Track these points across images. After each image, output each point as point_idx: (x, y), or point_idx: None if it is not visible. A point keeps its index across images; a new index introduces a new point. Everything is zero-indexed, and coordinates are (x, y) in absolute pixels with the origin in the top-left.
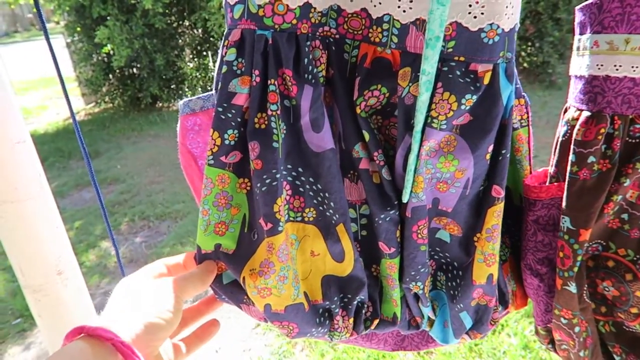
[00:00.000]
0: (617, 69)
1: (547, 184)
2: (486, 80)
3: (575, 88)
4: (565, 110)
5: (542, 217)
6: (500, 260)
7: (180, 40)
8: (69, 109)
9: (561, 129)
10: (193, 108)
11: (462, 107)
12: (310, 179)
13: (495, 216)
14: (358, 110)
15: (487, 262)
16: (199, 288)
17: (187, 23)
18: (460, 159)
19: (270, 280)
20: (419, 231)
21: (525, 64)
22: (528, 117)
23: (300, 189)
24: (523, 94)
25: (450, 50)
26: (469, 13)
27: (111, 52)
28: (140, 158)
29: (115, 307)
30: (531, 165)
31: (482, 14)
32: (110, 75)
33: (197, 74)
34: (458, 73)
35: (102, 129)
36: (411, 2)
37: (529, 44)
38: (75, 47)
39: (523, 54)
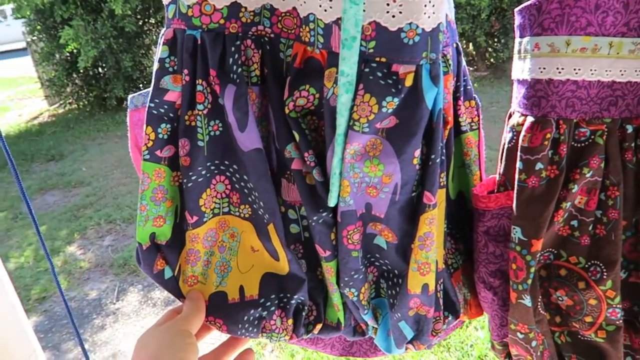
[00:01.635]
0: (559, 72)
1: (495, 192)
2: (408, 82)
3: (518, 93)
4: (510, 116)
5: (492, 227)
6: (451, 267)
7: (147, 40)
8: None
9: (507, 135)
10: (136, 104)
11: (384, 109)
12: (244, 177)
13: (427, 223)
14: (287, 111)
15: (421, 271)
16: (200, 316)
17: (152, 21)
18: (385, 163)
19: (197, 268)
20: (349, 236)
21: (492, 60)
22: (479, 120)
23: (237, 186)
24: (474, 95)
25: (372, 50)
26: (387, 12)
27: (76, 52)
28: (106, 160)
29: (138, 357)
30: (482, 171)
31: (400, 12)
32: (75, 75)
33: None
34: (379, 74)
35: (66, 131)
36: (331, 0)
37: (495, 40)
38: (37, 47)
39: (490, 49)
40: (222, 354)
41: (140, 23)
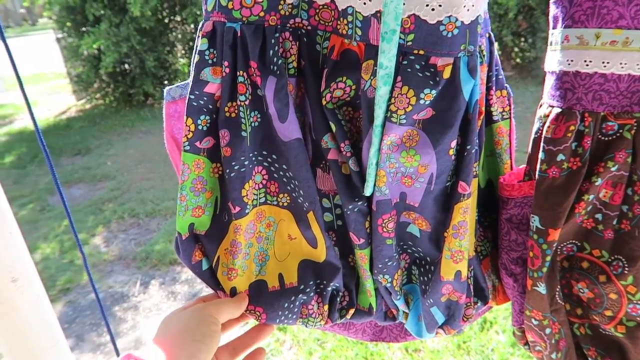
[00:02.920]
0: (587, 65)
1: (521, 181)
2: (446, 75)
3: (548, 84)
4: (540, 107)
5: (515, 215)
6: (480, 255)
7: (171, 37)
8: (30, 115)
9: (535, 126)
10: (173, 96)
11: (421, 101)
12: (284, 166)
13: (461, 213)
14: (324, 102)
15: (454, 259)
16: (234, 312)
17: (178, 19)
18: (422, 154)
19: (238, 261)
20: (384, 225)
21: (518, 60)
22: (510, 109)
23: (275, 175)
24: (506, 85)
25: (410, 43)
26: (427, 5)
27: (102, 50)
28: (131, 155)
29: (159, 337)
30: (512, 159)
31: (440, 6)
32: (102, 72)
33: (190, 69)
34: (417, 67)
35: (92, 126)
36: None
37: (522, 39)
38: (66, 43)
39: (516, 49)
40: (239, 348)
41: (166, 21)
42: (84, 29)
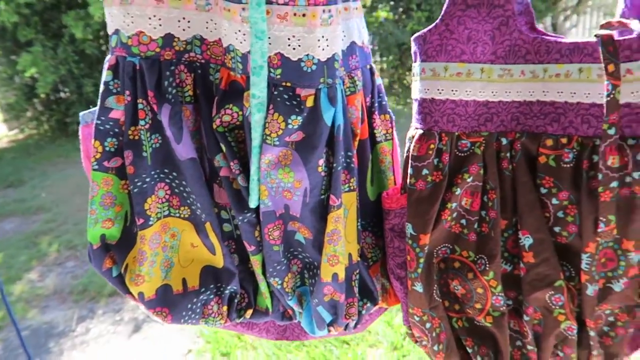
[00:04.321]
0: (440, 92)
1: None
2: (309, 103)
3: (414, 109)
4: (409, 130)
5: (396, 225)
6: (370, 260)
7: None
8: None
9: (406, 146)
10: (87, 120)
11: (290, 126)
12: (183, 182)
13: (333, 222)
14: (214, 126)
15: (331, 263)
16: None
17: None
18: (295, 171)
19: (144, 268)
20: (269, 233)
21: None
22: (392, 131)
23: (176, 190)
24: (388, 110)
25: (279, 76)
26: (289, 45)
27: (36, 77)
28: (67, 185)
29: None
30: (397, 175)
31: (299, 46)
32: (35, 100)
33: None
34: (285, 97)
35: (26, 157)
36: (244, 35)
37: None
38: None
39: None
40: None
41: (103, 48)
42: (13, 56)
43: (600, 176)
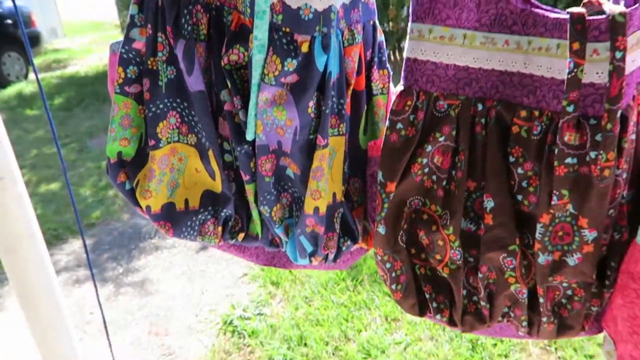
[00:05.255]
0: (422, 53)
1: None
2: (304, 49)
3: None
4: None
5: (375, 172)
6: (355, 203)
7: None
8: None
9: None
10: (114, 50)
11: (286, 68)
12: (192, 112)
13: (318, 159)
14: (223, 64)
15: (313, 197)
16: None
17: None
18: (288, 110)
19: (152, 184)
20: (262, 165)
21: None
22: (389, 86)
23: (186, 119)
24: (387, 66)
25: (280, 22)
26: None
27: None
28: None
29: None
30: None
31: None
32: None
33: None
34: (284, 41)
35: None
36: None
37: None
38: None
39: None
40: None
41: None
42: None
43: (556, 151)
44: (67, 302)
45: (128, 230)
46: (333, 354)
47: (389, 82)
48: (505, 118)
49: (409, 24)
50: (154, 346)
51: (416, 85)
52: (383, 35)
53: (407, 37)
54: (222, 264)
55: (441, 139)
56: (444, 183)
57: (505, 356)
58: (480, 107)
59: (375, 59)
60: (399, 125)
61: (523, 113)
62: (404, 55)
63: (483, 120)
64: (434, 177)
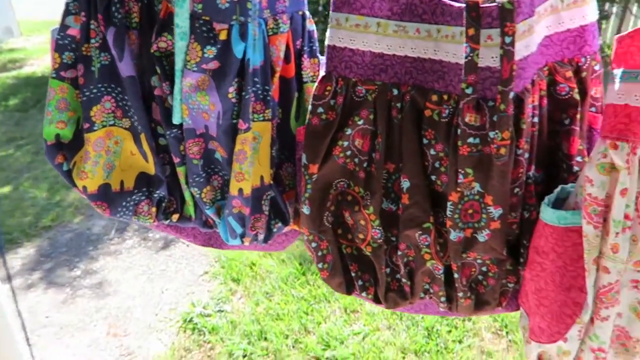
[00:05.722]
0: (340, 40)
1: None
2: (222, 37)
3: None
4: None
5: (302, 156)
6: (287, 187)
7: None
8: None
9: None
10: (54, 35)
11: (206, 55)
12: (125, 97)
13: (240, 143)
14: (152, 50)
15: (237, 179)
16: None
17: None
18: (210, 95)
19: (87, 166)
20: (190, 148)
21: None
22: (319, 74)
23: (120, 104)
24: (318, 55)
25: (200, 11)
26: None
27: None
28: None
29: None
30: None
31: None
32: None
33: None
34: (204, 29)
35: None
36: None
37: None
38: None
39: None
40: None
41: None
42: None
43: (459, 132)
44: (22, 306)
45: (85, 232)
46: (293, 347)
47: (319, 71)
48: (418, 102)
49: (330, 13)
50: (112, 347)
51: (335, 72)
52: (314, 25)
53: (329, 25)
54: (183, 263)
55: (360, 122)
56: (365, 165)
57: (460, 342)
58: (395, 92)
59: (306, 48)
60: (320, 110)
61: (434, 97)
62: (325, 43)
63: (399, 105)
64: (356, 160)
